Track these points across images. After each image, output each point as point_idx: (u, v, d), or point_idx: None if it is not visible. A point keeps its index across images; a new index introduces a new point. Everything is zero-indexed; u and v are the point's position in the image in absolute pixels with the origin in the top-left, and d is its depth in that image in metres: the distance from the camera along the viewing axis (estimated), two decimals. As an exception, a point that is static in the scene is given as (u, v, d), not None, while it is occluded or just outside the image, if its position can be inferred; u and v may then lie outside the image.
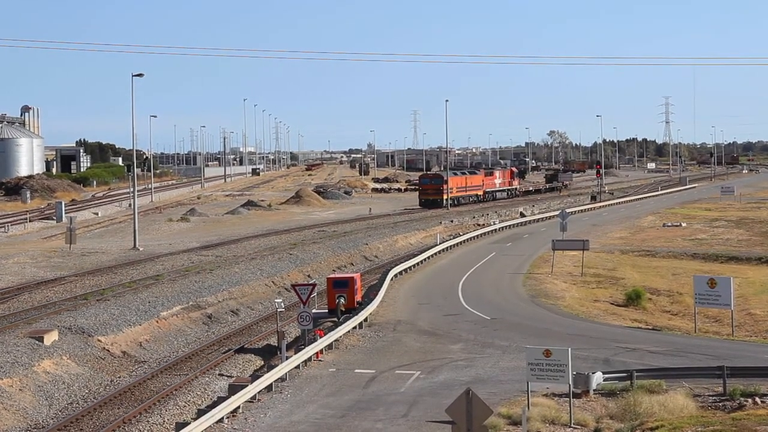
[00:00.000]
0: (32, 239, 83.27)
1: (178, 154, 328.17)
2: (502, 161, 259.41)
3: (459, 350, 40.45)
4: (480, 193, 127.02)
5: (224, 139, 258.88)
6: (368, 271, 67.06)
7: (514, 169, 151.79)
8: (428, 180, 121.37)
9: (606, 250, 76.24)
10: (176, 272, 59.44)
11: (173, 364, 40.88)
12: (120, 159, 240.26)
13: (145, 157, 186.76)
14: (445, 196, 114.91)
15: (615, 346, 40.48)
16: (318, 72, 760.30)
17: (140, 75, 77.36)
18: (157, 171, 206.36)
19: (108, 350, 41.81)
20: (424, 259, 69.26)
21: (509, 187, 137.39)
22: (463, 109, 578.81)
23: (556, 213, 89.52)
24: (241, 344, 43.95)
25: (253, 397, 32.13)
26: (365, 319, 45.74)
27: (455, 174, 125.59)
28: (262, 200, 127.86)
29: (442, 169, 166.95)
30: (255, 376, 34.70)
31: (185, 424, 28.07)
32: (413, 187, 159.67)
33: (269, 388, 33.48)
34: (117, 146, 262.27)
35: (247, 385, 31.95)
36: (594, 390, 32.10)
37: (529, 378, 29.43)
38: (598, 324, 47.72)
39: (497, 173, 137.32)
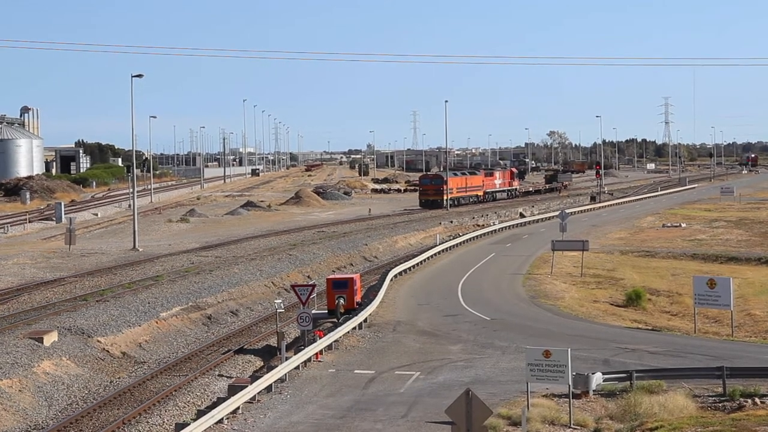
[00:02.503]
0: (32, 240, 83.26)
1: (177, 154, 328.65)
2: (501, 162, 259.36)
3: (459, 351, 40.45)
4: (480, 193, 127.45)
5: (224, 139, 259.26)
6: (368, 272, 67.06)
7: (514, 169, 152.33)
8: (428, 180, 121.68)
9: (605, 251, 76.25)
10: (176, 273, 59.43)
11: (173, 364, 40.86)
12: (119, 160, 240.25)
13: (144, 157, 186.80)
14: (445, 197, 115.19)
15: (615, 346, 40.50)
16: (318, 72, 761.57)
17: (140, 75, 77.37)
18: (157, 172, 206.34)
19: (107, 351, 41.81)
20: (424, 260, 69.27)
21: (509, 188, 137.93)
22: (463, 109, 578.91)
23: (556, 213, 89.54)
24: (240, 345, 43.93)
25: (253, 398, 32.14)
26: (365, 320, 45.75)
27: (455, 174, 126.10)
28: (262, 201, 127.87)
29: (441, 169, 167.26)
30: (255, 377, 34.69)
31: (185, 425, 28.07)
32: (413, 187, 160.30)
33: (269, 388, 33.49)
34: (116, 147, 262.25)
35: (246, 386, 31.95)
36: (594, 390, 32.11)
37: (528, 378, 29.44)
38: (598, 324, 47.71)
39: (497, 174, 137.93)
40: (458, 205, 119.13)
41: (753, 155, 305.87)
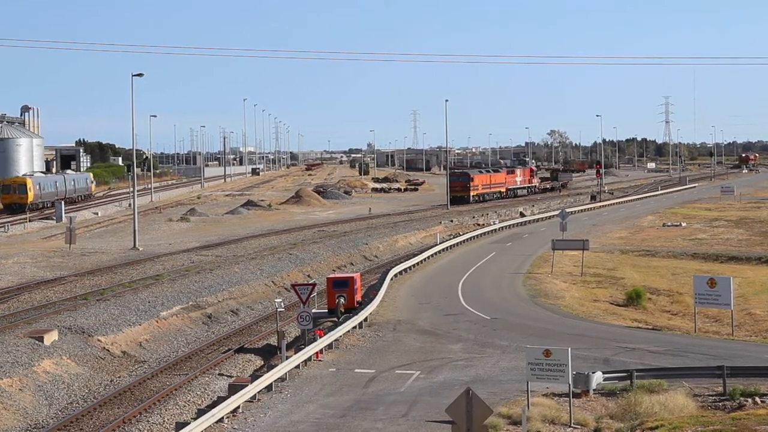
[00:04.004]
0: (32, 239, 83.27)
1: (178, 154, 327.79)
2: (501, 161, 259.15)
3: (459, 350, 40.45)
4: (503, 190, 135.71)
5: (224, 139, 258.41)
6: (368, 271, 67.08)
7: (533, 167, 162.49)
8: (456, 178, 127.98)
9: (606, 250, 76.24)
10: (176, 272, 59.45)
11: (173, 363, 40.89)
12: (120, 159, 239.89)
13: (145, 156, 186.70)
14: (471, 193, 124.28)
15: (615, 345, 40.51)
16: (318, 72, 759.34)
17: (140, 75, 77.34)
18: (157, 171, 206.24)
19: (108, 350, 41.83)
20: (424, 259, 69.27)
21: (529, 185, 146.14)
22: (463, 109, 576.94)
23: (556, 213, 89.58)
24: (241, 344, 43.96)
25: (253, 397, 32.15)
26: (365, 319, 45.75)
27: (480, 172, 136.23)
28: (262, 200, 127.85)
29: (442, 169, 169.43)
30: (255, 376, 34.72)
31: (185, 424, 28.08)
32: (413, 186, 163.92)
33: (269, 387, 33.50)
34: (117, 146, 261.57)
35: (247, 385, 31.97)
36: (594, 390, 32.11)
37: (529, 378, 29.44)
38: (598, 324, 47.73)
39: (518, 171, 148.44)
40: (483, 200, 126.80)
41: (745, 155, 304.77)
